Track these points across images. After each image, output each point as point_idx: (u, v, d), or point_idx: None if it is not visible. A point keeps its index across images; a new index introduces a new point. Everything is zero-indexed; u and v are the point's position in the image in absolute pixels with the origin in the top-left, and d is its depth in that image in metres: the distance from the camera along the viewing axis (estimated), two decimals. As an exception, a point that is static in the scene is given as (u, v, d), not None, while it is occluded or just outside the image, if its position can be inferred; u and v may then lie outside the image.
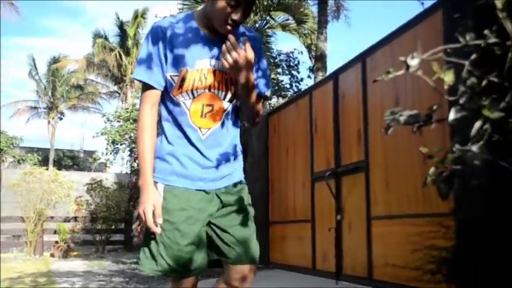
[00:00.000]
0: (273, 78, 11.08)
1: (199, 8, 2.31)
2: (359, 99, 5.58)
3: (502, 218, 2.13)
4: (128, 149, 10.74)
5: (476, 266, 2.31)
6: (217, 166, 2.21)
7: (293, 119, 7.50)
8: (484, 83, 1.39)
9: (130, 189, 11.54)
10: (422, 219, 3.97)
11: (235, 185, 2.27)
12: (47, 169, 16.03)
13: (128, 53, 27.94)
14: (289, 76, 12.53)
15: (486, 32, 1.39)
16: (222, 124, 2.23)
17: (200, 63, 2.16)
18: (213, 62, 2.18)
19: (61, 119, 36.39)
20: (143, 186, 2.08)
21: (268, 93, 2.46)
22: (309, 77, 13.10)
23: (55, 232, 13.70)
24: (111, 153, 10.49)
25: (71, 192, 14.17)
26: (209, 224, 2.19)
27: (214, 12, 2.10)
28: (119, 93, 29.57)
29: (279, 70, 12.22)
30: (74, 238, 14.07)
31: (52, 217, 13.93)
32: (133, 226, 11.49)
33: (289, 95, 11.66)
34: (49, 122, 35.09)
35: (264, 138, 8.36)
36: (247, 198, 2.29)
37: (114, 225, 14.32)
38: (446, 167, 1.88)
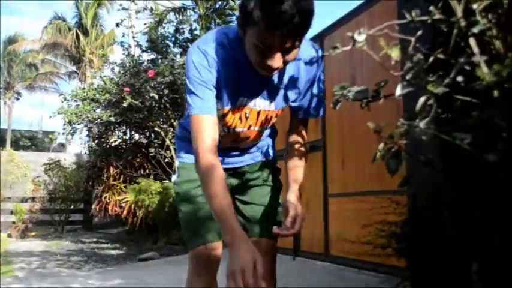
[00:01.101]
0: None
1: None
2: (317, 79, 5.61)
3: (450, 192, 2.19)
4: (86, 129, 10.60)
5: (424, 239, 2.38)
6: (239, 156, 2.13)
7: (252, 99, 7.50)
8: (430, 59, 1.43)
9: (88, 169, 11.43)
10: (376, 196, 4.04)
11: (259, 162, 2.17)
12: (3, 149, 15.69)
13: (86, 33, 27.36)
14: (249, 56, 12.51)
15: (431, 8, 1.42)
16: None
17: (244, 102, 1.90)
18: (258, 101, 1.91)
19: (18, 99, 35.64)
20: (233, 243, 1.62)
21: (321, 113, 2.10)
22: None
23: (12, 213, 13.50)
24: (68, 134, 10.33)
25: (28, 172, 13.96)
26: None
27: (247, 52, 1.73)
28: (77, 73, 29.02)
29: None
30: (31, 218, 13.90)
31: (9, 197, 13.72)
32: (93, 206, 11.40)
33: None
34: (5, 102, 34.31)
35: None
36: (272, 175, 2.17)
37: (73, 205, 14.19)
38: (395, 142, 1.92)
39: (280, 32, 1.57)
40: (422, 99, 1.42)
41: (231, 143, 2.03)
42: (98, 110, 10.07)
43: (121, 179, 10.58)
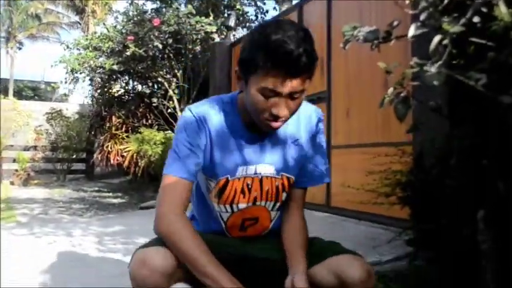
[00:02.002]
0: (238, 9, 10.88)
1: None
2: (323, 29, 5.52)
3: (458, 139, 2.14)
4: (88, 78, 10.52)
5: (430, 187, 2.35)
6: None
7: (257, 49, 7.40)
8: (446, 0, 1.36)
9: (91, 119, 11.39)
10: (381, 147, 4.02)
11: None
12: (4, 98, 15.63)
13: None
14: (254, 7, 12.32)
15: None
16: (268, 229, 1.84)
17: (243, 171, 1.72)
18: (260, 167, 1.74)
19: (20, 48, 35.34)
20: None
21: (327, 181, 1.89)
22: (274, 8, 12.90)
23: (14, 161, 13.54)
24: (70, 83, 10.25)
25: (30, 121, 13.93)
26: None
27: (249, 104, 1.61)
28: (80, 24, 28.65)
29: (245, 1, 11.99)
30: (34, 167, 13.95)
31: (11, 146, 13.74)
32: (95, 155, 11.41)
33: (253, 27, 11.48)
34: (7, 51, 34.04)
35: (226, 69, 8.27)
36: None
37: (75, 154, 14.23)
38: (404, 87, 1.87)
39: (288, 72, 1.50)
40: (436, 39, 1.35)
41: (238, 230, 1.80)
42: (101, 59, 9.98)
43: (123, 128, 10.54)
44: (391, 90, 1.84)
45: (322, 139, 1.86)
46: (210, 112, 1.70)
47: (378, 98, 4.20)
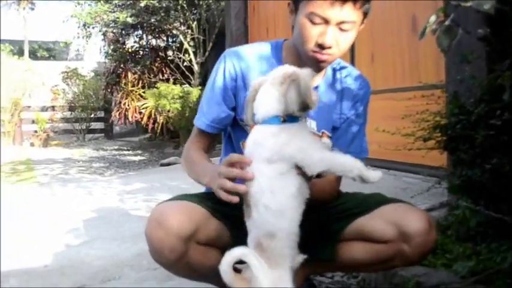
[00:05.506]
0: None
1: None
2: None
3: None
4: (101, 33, 10.28)
5: (471, 131, 2.16)
6: None
7: (274, -4, 7.13)
8: None
9: (106, 76, 11.20)
10: (410, 92, 3.80)
11: None
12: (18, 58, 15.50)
13: None
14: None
15: None
16: None
17: None
18: None
19: (32, 9, 35.06)
20: (209, 175, 1.54)
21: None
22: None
23: (33, 122, 13.50)
24: (83, 38, 10.04)
25: (46, 81, 13.80)
26: None
27: (297, 35, 1.57)
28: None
29: None
30: (53, 128, 13.93)
31: (29, 106, 13.67)
32: (113, 113, 11.28)
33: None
34: (20, 12, 33.78)
35: (242, 17, 8.01)
36: None
37: (93, 113, 14.15)
38: (447, 15, 1.63)
39: None
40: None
41: None
42: (114, 15, 9.75)
43: (140, 84, 10.36)
44: (433, 18, 1.62)
45: (365, 113, 1.84)
46: (249, 58, 1.67)
47: (404, 39, 3.90)
